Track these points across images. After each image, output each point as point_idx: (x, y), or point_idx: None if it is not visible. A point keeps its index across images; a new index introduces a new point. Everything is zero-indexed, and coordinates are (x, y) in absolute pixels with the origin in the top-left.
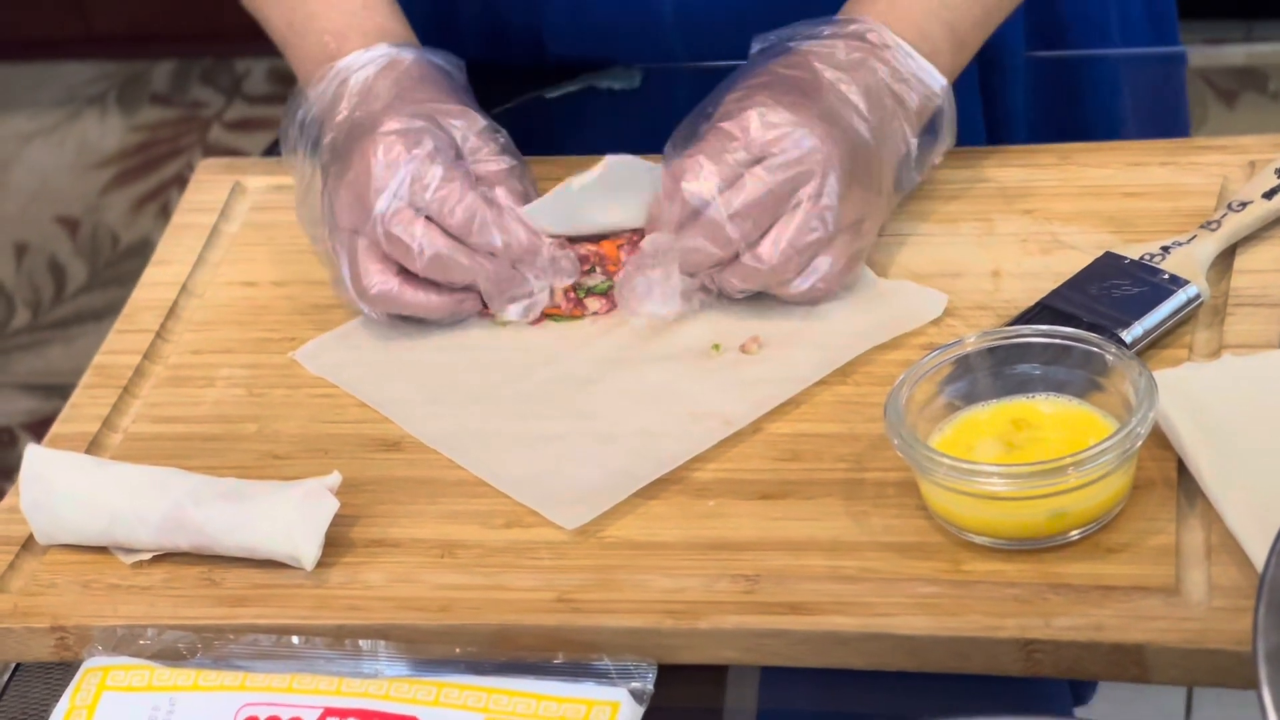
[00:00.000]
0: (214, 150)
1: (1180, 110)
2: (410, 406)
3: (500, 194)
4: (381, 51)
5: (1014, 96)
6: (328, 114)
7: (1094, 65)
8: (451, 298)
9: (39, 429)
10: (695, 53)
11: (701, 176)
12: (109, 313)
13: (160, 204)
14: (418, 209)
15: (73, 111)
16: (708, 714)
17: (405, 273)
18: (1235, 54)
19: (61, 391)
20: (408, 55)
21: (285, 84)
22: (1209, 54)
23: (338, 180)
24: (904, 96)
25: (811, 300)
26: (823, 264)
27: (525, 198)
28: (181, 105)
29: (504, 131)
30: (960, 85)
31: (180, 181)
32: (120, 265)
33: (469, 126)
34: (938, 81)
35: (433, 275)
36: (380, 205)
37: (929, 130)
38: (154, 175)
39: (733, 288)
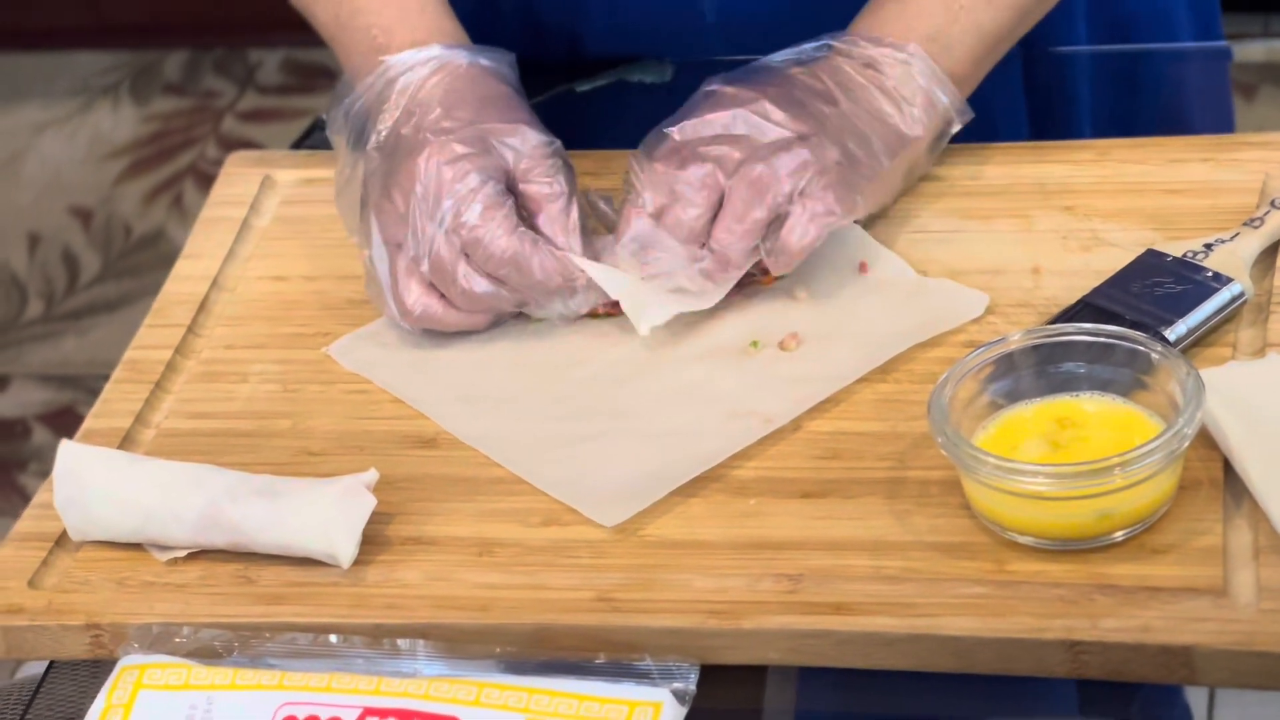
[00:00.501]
0: (227, 141)
1: (1226, 107)
2: (445, 404)
3: (543, 221)
4: (434, 53)
5: (1074, 90)
6: (374, 110)
7: (1148, 60)
8: (489, 318)
9: (53, 420)
10: (735, 51)
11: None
12: (123, 304)
13: (174, 195)
14: (458, 241)
15: (85, 102)
16: (748, 715)
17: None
18: (1254, 48)
19: (75, 383)
20: (461, 58)
21: (299, 75)
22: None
23: (383, 194)
24: (877, 81)
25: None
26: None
27: (568, 220)
28: (195, 95)
29: (558, 143)
30: (999, 79)
31: (195, 172)
32: (133, 256)
33: (522, 145)
34: (905, 49)
35: (470, 308)
36: (426, 232)
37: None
38: (167, 166)
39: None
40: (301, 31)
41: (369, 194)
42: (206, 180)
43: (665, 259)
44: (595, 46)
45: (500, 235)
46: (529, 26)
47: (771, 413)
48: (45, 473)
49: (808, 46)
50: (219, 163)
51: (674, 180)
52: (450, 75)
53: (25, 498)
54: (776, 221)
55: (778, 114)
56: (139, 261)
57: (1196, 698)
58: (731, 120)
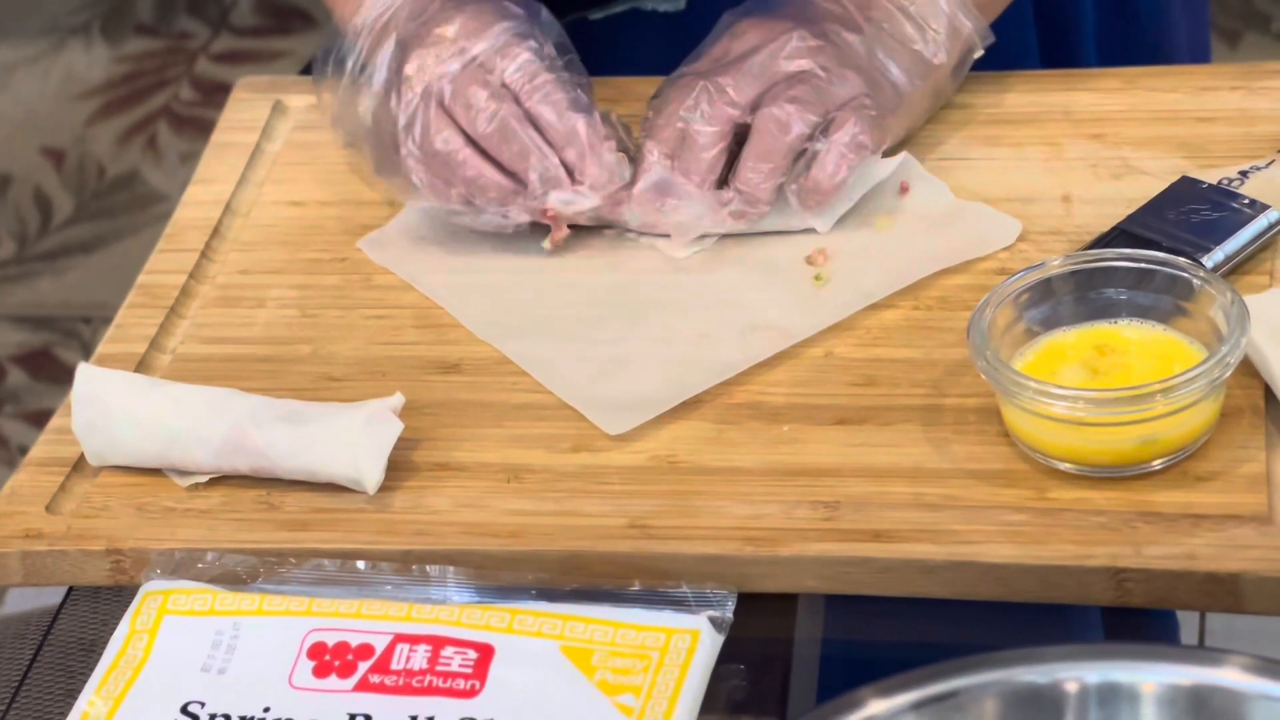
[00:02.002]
0: (201, 83)
1: (1205, 40)
2: (467, 304)
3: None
4: None
5: (1079, 21)
6: (391, 22)
7: None
8: (502, 178)
9: (28, 361)
10: None
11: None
12: (97, 245)
13: (147, 136)
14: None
15: (56, 41)
16: (779, 644)
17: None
18: None
19: (50, 324)
20: None
21: (274, 16)
22: None
23: (409, 47)
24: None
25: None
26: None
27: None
28: (167, 36)
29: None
30: (1010, 11)
31: (168, 114)
32: (108, 197)
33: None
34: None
35: (491, 145)
36: (453, 66)
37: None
38: (140, 107)
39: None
40: None
41: (390, 62)
42: (180, 122)
43: (685, 206)
44: None
45: (544, 76)
46: None
47: (791, 327)
48: (22, 414)
49: None
50: (193, 104)
51: (689, 119)
52: None
53: (2, 439)
54: (803, 157)
55: (801, 45)
56: (113, 203)
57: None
58: (752, 54)
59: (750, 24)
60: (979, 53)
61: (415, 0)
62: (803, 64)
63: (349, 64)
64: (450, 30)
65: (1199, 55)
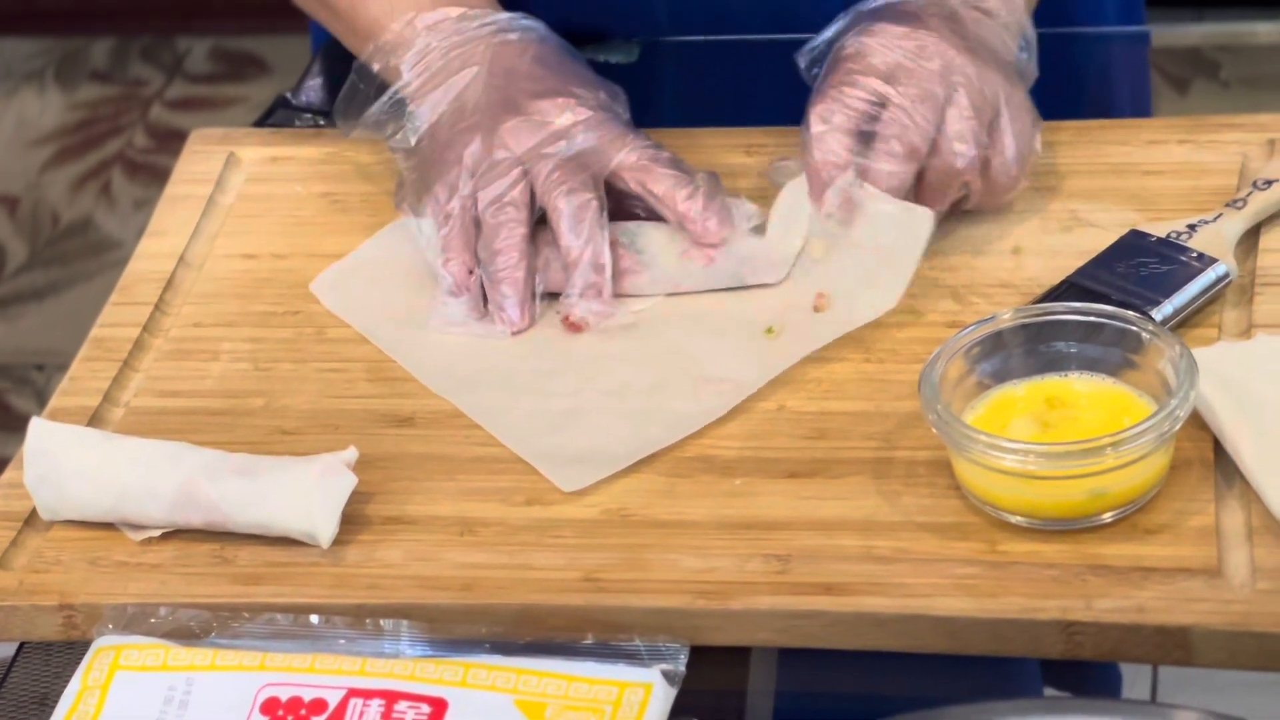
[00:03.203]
0: (155, 130)
1: (1144, 90)
2: (416, 351)
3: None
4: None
5: None
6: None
7: (1076, 42)
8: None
9: None
10: (683, 26)
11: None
12: (50, 292)
13: (101, 183)
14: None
15: (10, 88)
16: (732, 695)
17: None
18: (1191, 34)
19: (4, 371)
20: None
21: (227, 63)
22: (1162, 40)
23: (500, 114)
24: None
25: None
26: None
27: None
28: (122, 83)
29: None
30: None
31: (123, 160)
32: (61, 244)
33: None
34: None
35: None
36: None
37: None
38: (94, 154)
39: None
40: (230, 19)
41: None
42: (134, 168)
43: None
44: (545, 19)
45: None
46: None
47: (744, 379)
48: None
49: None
50: (147, 151)
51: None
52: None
53: None
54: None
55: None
56: (67, 250)
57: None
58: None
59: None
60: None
61: (498, 53)
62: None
63: (397, 84)
64: (549, 108)
65: (1140, 111)
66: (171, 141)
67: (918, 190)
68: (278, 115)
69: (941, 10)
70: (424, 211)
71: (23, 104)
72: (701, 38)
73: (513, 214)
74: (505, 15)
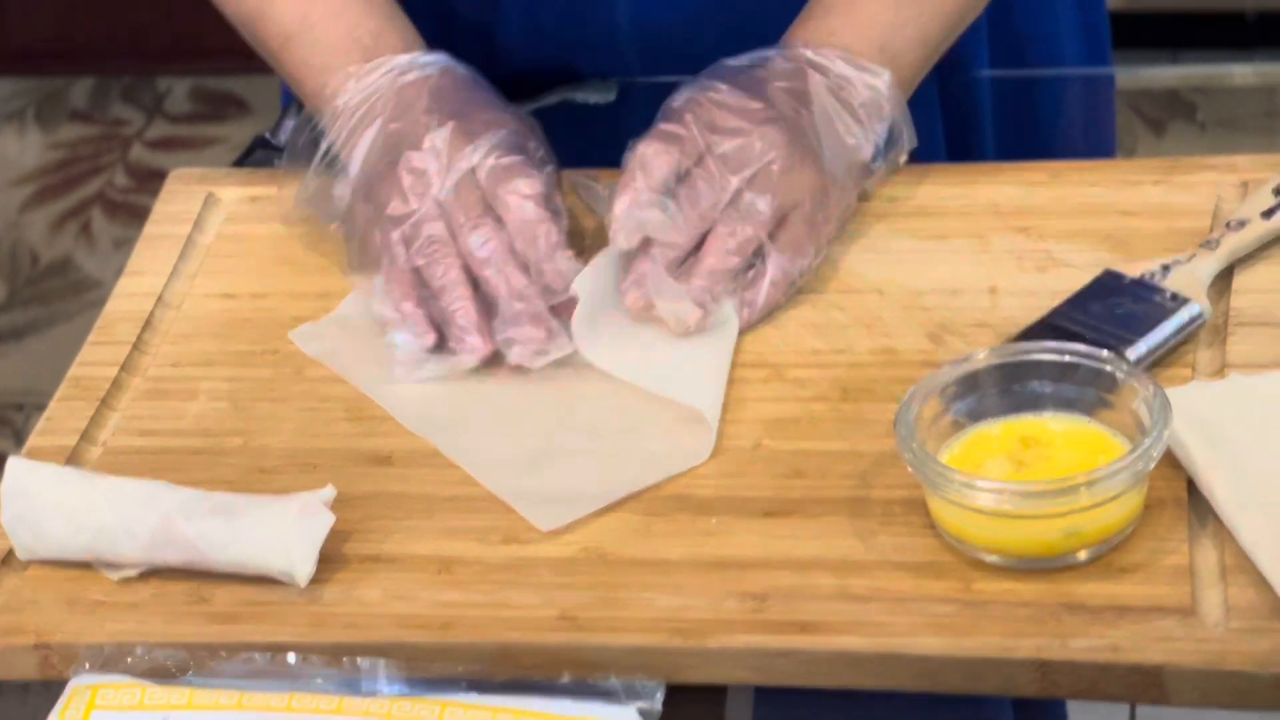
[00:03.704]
0: (135, 170)
1: (1110, 132)
2: (397, 395)
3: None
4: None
5: (979, 113)
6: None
7: (1042, 85)
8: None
9: None
10: (650, 67)
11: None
12: (30, 332)
13: (81, 223)
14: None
15: None
16: None
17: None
18: (1167, 76)
19: None
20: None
21: (207, 103)
22: (1138, 81)
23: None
24: (847, 98)
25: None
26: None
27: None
28: (102, 123)
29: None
30: (918, 101)
31: (103, 200)
32: (41, 284)
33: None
34: (880, 77)
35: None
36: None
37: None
38: (74, 193)
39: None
40: (210, 59)
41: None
42: (114, 208)
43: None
44: (509, 54)
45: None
46: (444, 42)
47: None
48: None
49: (773, 53)
50: (127, 190)
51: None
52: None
53: None
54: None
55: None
56: (46, 289)
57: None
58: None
59: (720, 107)
60: (903, 159)
61: (399, 96)
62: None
63: (322, 148)
64: (439, 140)
65: (1105, 153)
66: (151, 181)
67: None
68: (257, 155)
69: (794, 91)
70: (372, 269)
71: (3, 144)
72: (676, 78)
73: (440, 249)
74: (405, 57)
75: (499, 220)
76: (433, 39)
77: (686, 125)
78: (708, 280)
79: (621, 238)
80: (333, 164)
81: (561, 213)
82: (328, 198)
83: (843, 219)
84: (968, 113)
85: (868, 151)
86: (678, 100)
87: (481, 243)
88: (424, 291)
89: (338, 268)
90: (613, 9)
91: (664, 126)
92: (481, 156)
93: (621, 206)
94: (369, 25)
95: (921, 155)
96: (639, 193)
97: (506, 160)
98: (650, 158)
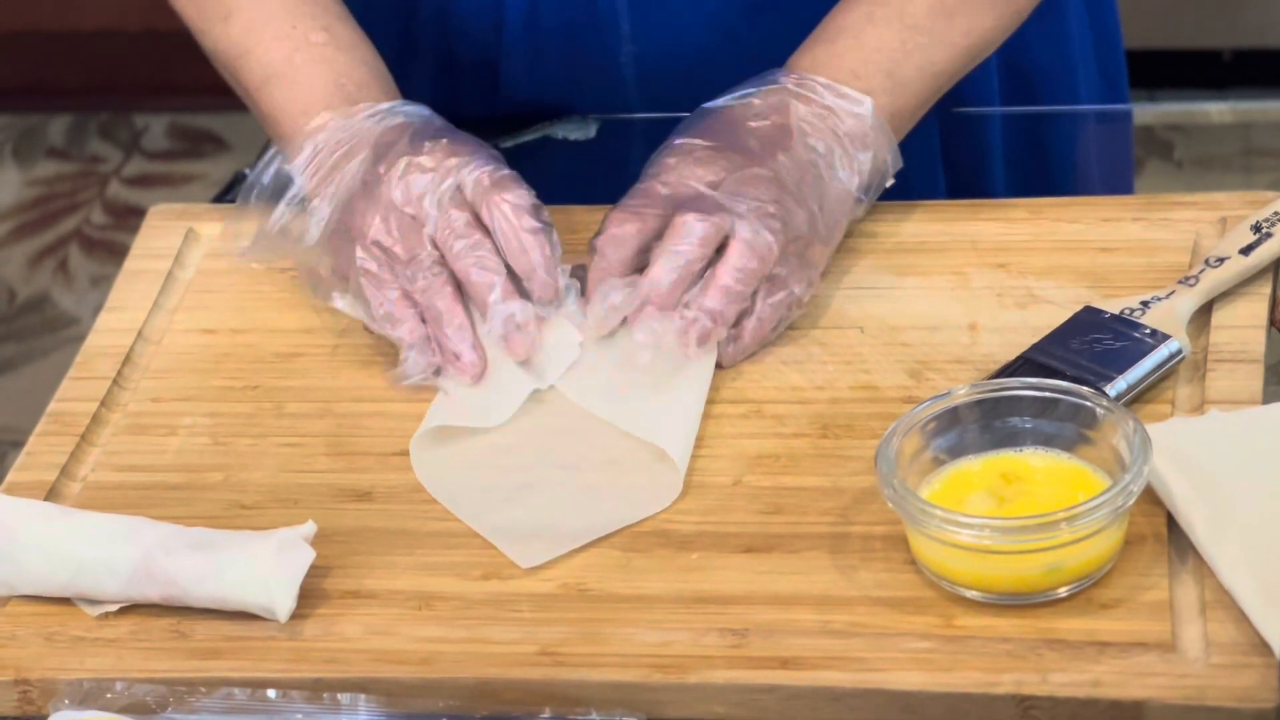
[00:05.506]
0: (113, 207)
1: (1126, 166)
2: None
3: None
4: (412, 109)
5: (988, 149)
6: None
7: (1055, 120)
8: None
9: None
10: (652, 102)
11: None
12: (7, 369)
13: (58, 259)
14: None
15: None
16: None
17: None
18: (1145, 114)
19: None
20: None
21: (185, 140)
22: None
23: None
24: (832, 126)
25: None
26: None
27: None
28: (79, 160)
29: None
30: (918, 136)
31: (80, 237)
32: (17, 321)
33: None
34: (862, 104)
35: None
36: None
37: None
38: (51, 230)
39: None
40: (188, 96)
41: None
42: (92, 245)
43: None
44: (512, 92)
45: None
46: (447, 75)
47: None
48: None
49: (752, 90)
50: (105, 227)
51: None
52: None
53: None
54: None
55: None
56: (23, 326)
57: None
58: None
59: (697, 150)
60: (889, 183)
61: (380, 137)
62: (748, 205)
63: (296, 185)
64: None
65: (1123, 188)
66: (129, 218)
67: None
68: (236, 191)
69: (774, 128)
70: (349, 290)
71: None
72: (657, 115)
73: (429, 267)
74: (387, 104)
75: (487, 231)
76: (435, 76)
77: (651, 194)
78: (721, 299)
79: (596, 330)
80: (303, 203)
81: (551, 225)
82: (292, 235)
83: (831, 254)
84: (972, 150)
85: (854, 182)
86: (651, 165)
87: (470, 252)
88: (416, 308)
89: (318, 303)
90: (616, 46)
91: (629, 201)
92: (470, 171)
93: (594, 299)
94: (354, 75)
95: (921, 192)
96: (606, 278)
97: (497, 174)
98: (617, 236)
